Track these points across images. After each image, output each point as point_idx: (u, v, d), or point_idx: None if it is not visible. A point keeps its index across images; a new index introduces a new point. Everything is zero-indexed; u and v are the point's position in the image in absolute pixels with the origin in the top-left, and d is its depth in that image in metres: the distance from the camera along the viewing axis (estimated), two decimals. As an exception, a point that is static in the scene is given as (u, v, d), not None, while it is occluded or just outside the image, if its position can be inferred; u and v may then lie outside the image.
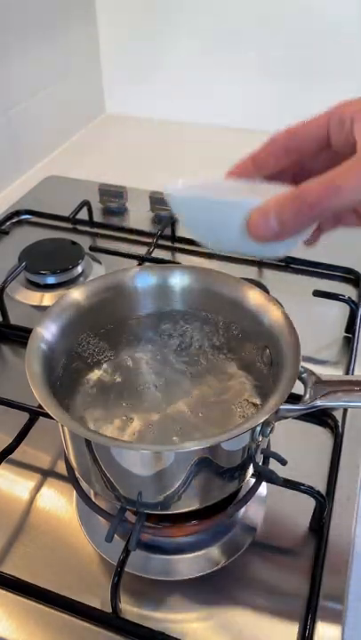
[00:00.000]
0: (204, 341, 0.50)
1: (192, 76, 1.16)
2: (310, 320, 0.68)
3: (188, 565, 0.46)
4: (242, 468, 0.43)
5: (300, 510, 0.49)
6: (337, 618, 0.43)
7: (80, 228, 0.88)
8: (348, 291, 0.73)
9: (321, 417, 0.57)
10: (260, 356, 0.47)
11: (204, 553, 0.47)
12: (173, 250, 0.83)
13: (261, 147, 0.39)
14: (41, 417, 0.54)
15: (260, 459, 0.45)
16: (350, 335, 0.67)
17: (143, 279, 0.51)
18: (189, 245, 0.83)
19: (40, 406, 0.45)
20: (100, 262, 0.80)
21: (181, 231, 0.85)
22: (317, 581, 0.45)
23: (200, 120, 1.19)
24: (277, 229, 0.34)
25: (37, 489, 0.52)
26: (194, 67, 1.16)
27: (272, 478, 0.44)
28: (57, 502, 0.51)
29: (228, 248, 0.39)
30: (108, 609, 0.43)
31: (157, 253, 0.79)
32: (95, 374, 0.48)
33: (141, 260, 0.76)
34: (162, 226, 0.83)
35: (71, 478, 0.49)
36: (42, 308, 0.72)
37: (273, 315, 0.46)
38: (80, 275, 0.77)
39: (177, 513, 0.43)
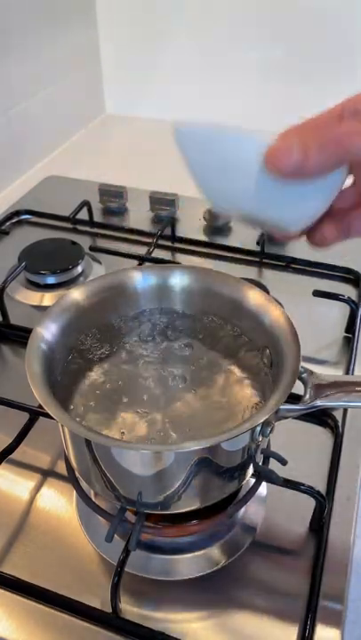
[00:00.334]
0: (204, 341, 0.50)
1: (192, 76, 1.16)
2: (310, 320, 0.68)
3: (188, 565, 0.46)
4: (242, 468, 0.43)
5: (300, 510, 0.49)
6: (337, 618, 0.43)
7: (80, 228, 0.88)
8: (348, 291, 0.73)
9: (321, 417, 0.57)
10: (260, 357, 0.47)
11: (204, 553, 0.47)
12: (173, 250, 0.83)
13: None
14: (41, 417, 0.54)
15: (260, 459, 0.45)
16: (350, 335, 0.67)
17: (143, 279, 0.51)
18: (189, 245, 0.83)
19: (40, 406, 0.45)
20: (100, 262, 0.80)
21: (181, 231, 0.85)
22: (317, 581, 0.45)
23: (200, 120, 1.18)
24: (300, 159, 0.31)
25: (37, 489, 0.52)
26: (194, 67, 1.16)
27: (272, 478, 0.44)
28: (57, 502, 0.51)
29: (236, 204, 0.34)
30: (108, 609, 0.43)
31: (157, 253, 0.79)
32: (95, 374, 0.48)
33: (141, 260, 0.76)
34: (162, 226, 0.83)
35: (71, 478, 0.49)
36: (42, 308, 0.72)
37: (273, 315, 0.46)
38: (80, 275, 0.77)
39: (177, 513, 0.43)
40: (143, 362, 0.49)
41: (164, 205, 0.88)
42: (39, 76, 1.02)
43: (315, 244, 0.39)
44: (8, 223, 0.88)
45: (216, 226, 0.87)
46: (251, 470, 0.44)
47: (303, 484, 0.47)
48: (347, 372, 0.62)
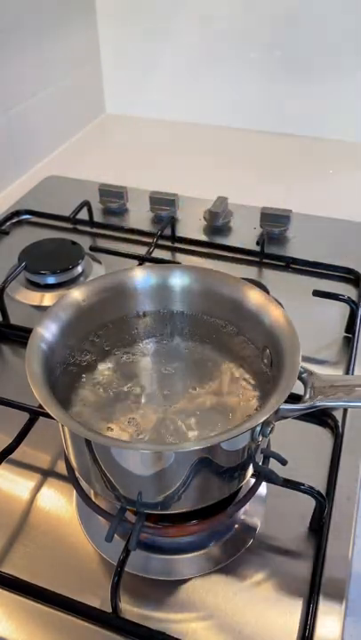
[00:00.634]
0: (204, 341, 0.50)
1: (192, 76, 1.16)
2: (310, 320, 0.68)
3: (188, 565, 0.46)
4: (242, 468, 0.43)
5: (300, 510, 0.49)
6: (337, 617, 0.43)
7: (80, 228, 0.88)
8: (348, 291, 0.73)
9: (321, 417, 0.57)
10: (260, 356, 0.47)
11: (204, 553, 0.47)
12: (173, 250, 0.83)
13: None
14: (41, 417, 0.54)
15: (260, 459, 0.45)
16: (350, 335, 0.67)
17: (143, 279, 0.51)
18: (189, 245, 0.83)
19: (40, 406, 0.45)
20: (100, 262, 0.80)
21: (181, 231, 0.85)
22: (317, 581, 0.45)
23: (200, 120, 1.19)
24: None
25: (37, 489, 0.52)
26: (194, 67, 1.16)
27: (272, 478, 0.44)
28: (57, 502, 0.51)
29: None
30: (108, 609, 0.43)
31: (157, 253, 0.79)
32: (95, 374, 0.48)
33: (141, 259, 0.76)
34: (162, 226, 0.83)
35: (71, 478, 0.49)
36: (42, 308, 0.72)
37: (273, 315, 0.46)
38: (80, 275, 0.77)
39: (177, 513, 0.43)
40: (143, 362, 0.49)
41: (164, 205, 0.88)
42: (39, 76, 1.03)
43: None
44: (8, 223, 0.88)
45: (216, 226, 0.87)
46: (251, 470, 0.44)
47: (303, 484, 0.47)
48: (347, 372, 0.62)
